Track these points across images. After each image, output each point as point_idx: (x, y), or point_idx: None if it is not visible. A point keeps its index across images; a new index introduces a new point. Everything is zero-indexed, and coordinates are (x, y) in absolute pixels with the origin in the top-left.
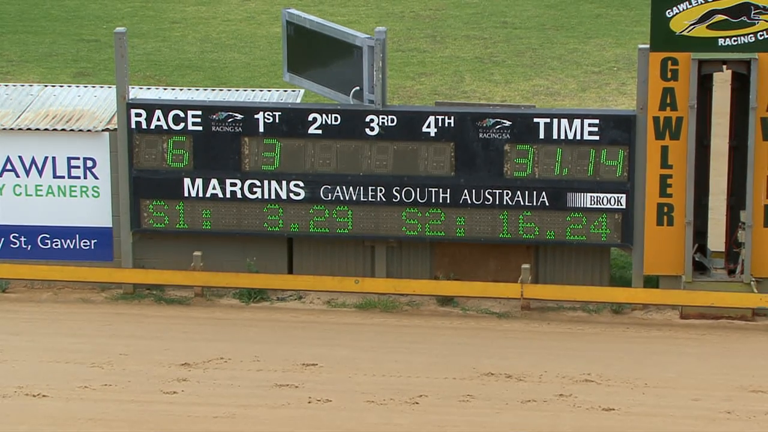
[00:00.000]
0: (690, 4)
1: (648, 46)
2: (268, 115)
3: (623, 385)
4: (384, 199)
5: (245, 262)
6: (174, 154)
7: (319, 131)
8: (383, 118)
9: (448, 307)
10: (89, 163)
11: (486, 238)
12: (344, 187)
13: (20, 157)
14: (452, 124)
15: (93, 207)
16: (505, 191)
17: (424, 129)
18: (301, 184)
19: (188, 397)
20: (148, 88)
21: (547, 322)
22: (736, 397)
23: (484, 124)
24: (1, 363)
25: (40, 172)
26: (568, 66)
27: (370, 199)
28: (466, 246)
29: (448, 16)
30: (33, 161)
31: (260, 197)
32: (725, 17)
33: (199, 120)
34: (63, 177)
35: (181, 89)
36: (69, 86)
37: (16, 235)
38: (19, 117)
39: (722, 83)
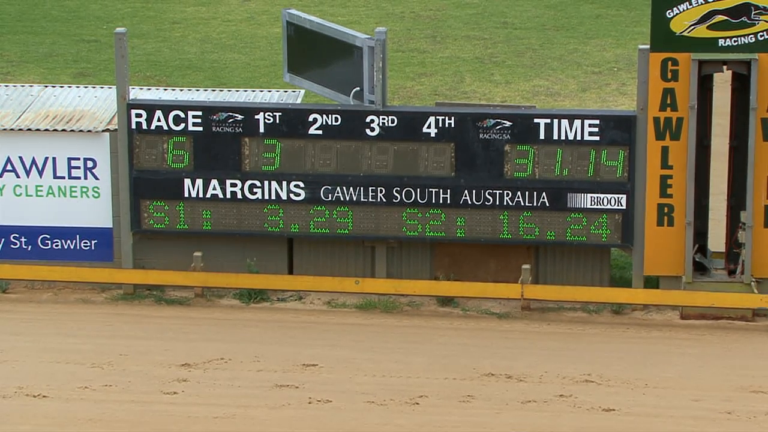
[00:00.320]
0: (690, 4)
1: (648, 46)
2: (269, 115)
3: (623, 385)
4: (384, 200)
5: (245, 262)
6: (174, 154)
7: (320, 132)
8: (383, 119)
9: (448, 307)
10: (89, 164)
11: (486, 239)
12: (344, 188)
13: (20, 158)
14: (452, 125)
15: (93, 207)
16: (505, 192)
17: (425, 129)
18: (302, 184)
19: (188, 397)
20: (149, 89)
21: (547, 322)
22: (736, 398)
23: (485, 125)
24: (1, 363)
25: (41, 173)
26: (569, 66)
27: (370, 199)
28: (466, 246)
29: (448, 17)
30: (33, 162)
31: (260, 198)
32: (725, 18)
33: (199, 120)
34: (63, 177)
35: (181, 90)
36: (69, 87)
37: (17, 235)
38: (19, 117)
39: (722, 84)
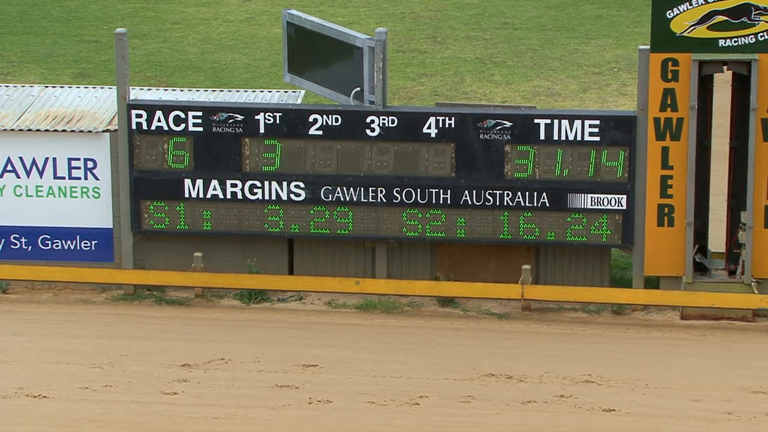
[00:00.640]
0: (690, 5)
1: (648, 46)
2: (269, 116)
3: (624, 385)
4: (384, 200)
5: (246, 262)
6: (174, 154)
7: (320, 132)
8: (384, 119)
9: (448, 307)
10: (90, 164)
11: (486, 239)
12: (345, 188)
13: (21, 158)
14: (453, 125)
15: (93, 208)
16: (505, 192)
17: (425, 130)
18: (302, 184)
19: (189, 397)
20: (149, 89)
21: (547, 323)
22: (736, 398)
23: (485, 125)
24: (1, 364)
25: (41, 173)
26: (569, 67)
27: (370, 199)
28: (466, 247)
29: (448, 17)
30: (33, 162)
31: (261, 198)
32: (726, 18)
33: (199, 121)
34: (63, 178)
35: (181, 90)
36: (69, 87)
37: (17, 235)
38: (19, 118)
39: (723, 84)
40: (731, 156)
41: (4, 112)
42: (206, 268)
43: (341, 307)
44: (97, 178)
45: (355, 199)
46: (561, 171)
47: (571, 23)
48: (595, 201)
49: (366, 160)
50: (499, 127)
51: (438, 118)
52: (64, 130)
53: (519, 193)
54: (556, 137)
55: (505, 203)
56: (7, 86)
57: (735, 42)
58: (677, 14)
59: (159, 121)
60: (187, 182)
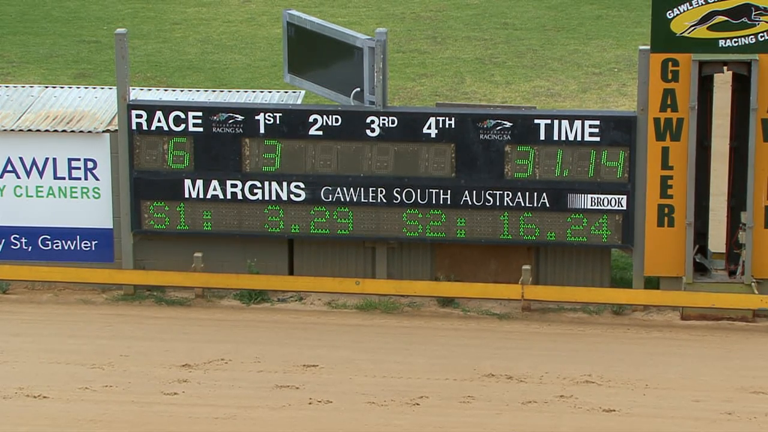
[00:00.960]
0: (690, 5)
1: (648, 47)
2: (269, 116)
3: (624, 386)
4: (384, 200)
5: (246, 263)
6: (175, 155)
7: (320, 132)
8: (384, 120)
9: (448, 308)
10: (90, 165)
11: (487, 239)
12: (345, 188)
13: (21, 159)
14: (453, 126)
15: (93, 208)
16: (505, 192)
17: (425, 130)
18: (302, 185)
19: (189, 398)
20: (149, 90)
21: (547, 323)
22: (736, 399)
23: (485, 126)
24: (1, 364)
25: (41, 174)
26: (569, 67)
27: (370, 200)
28: (466, 247)
29: (448, 18)
30: (34, 162)
31: (261, 198)
32: (726, 18)
33: (199, 121)
34: (63, 178)
35: (181, 90)
36: (70, 87)
37: (17, 236)
38: (19, 118)
39: (723, 84)
40: (731, 156)
41: (4, 112)
42: (206, 269)
43: (341, 308)
44: (97, 179)
45: (355, 199)
46: (561, 171)
47: (571, 24)
48: (595, 201)
49: (366, 160)
50: (499, 128)
51: (438, 118)
52: (64, 131)
53: (519, 194)
54: (556, 137)
55: (505, 203)
56: (7, 86)
57: (735, 42)
58: (677, 14)
59: (159, 121)
60: (187, 182)
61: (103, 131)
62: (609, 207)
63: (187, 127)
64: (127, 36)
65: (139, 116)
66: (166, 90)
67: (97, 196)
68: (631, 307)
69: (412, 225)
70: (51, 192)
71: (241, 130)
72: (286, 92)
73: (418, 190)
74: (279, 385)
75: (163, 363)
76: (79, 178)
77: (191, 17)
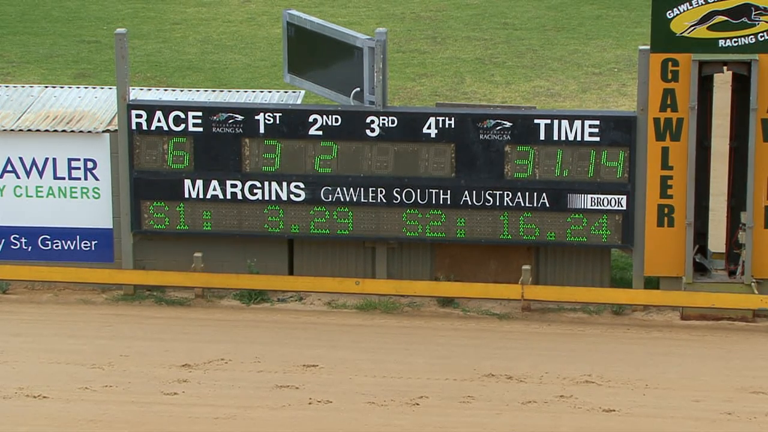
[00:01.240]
0: (690, 5)
1: (648, 47)
2: (269, 116)
3: (624, 386)
4: (384, 200)
5: (246, 263)
6: (174, 155)
7: (320, 132)
8: (384, 119)
9: (448, 308)
10: (90, 165)
11: (486, 239)
12: (345, 188)
13: (21, 159)
14: (453, 126)
15: (93, 208)
16: (505, 192)
17: (425, 130)
18: (302, 185)
19: (189, 398)
20: (149, 90)
21: (547, 323)
22: (736, 399)
23: (485, 126)
24: (1, 364)
25: (41, 174)
26: (569, 67)
27: (370, 200)
28: (466, 247)
29: (448, 17)
30: (33, 162)
31: (261, 198)
32: (726, 18)
33: (199, 121)
34: (63, 178)
35: (181, 90)
36: (69, 87)
37: (17, 236)
38: (19, 118)
39: (723, 84)
40: (731, 156)
41: (4, 112)
42: (206, 269)
43: (341, 308)
44: (97, 179)
45: (355, 199)
46: (561, 171)
47: (571, 24)
48: (595, 201)
49: (366, 160)
50: (499, 128)
51: (438, 118)
52: (64, 131)
53: (519, 194)
54: (556, 137)
55: (505, 203)
56: (7, 86)
57: (735, 42)
58: (677, 14)
59: (159, 121)
60: (187, 182)
61: (103, 131)
62: (609, 207)
63: (187, 127)
64: (127, 36)
65: (139, 116)
66: (166, 90)
67: (97, 196)
68: (631, 307)
69: (412, 225)
70: (51, 192)
71: (241, 130)
72: (286, 92)
73: (418, 190)
74: (279, 385)
75: (163, 363)
76: (79, 178)
77: (191, 17)
